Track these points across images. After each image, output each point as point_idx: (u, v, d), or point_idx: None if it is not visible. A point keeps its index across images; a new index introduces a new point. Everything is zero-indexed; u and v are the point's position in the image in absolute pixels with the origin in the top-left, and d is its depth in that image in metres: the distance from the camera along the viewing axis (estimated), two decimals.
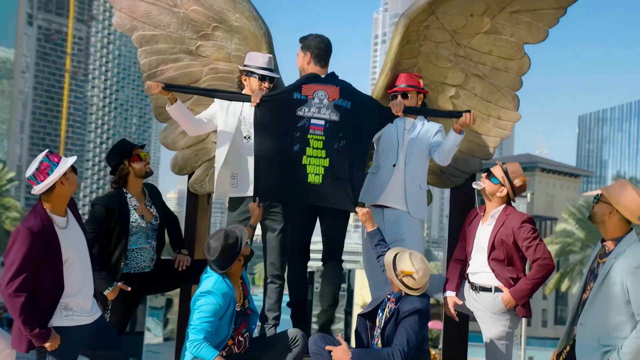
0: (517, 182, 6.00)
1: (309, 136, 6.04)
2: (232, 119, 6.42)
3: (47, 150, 5.37)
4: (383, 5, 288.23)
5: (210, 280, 5.47)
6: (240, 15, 6.68)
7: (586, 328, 5.28)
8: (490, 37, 6.76)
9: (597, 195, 5.51)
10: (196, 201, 7.13)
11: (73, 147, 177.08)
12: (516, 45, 6.76)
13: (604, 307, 5.22)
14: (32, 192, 5.27)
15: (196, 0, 6.70)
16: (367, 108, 6.28)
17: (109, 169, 6.38)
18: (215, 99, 6.51)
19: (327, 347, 5.54)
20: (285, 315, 6.57)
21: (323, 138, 6.06)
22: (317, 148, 6.05)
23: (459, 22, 6.72)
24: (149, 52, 6.81)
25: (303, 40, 6.35)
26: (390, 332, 5.49)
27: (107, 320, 5.98)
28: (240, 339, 5.65)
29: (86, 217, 6.11)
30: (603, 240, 5.52)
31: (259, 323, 6.29)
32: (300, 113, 6.06)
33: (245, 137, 6.40)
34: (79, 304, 5.32)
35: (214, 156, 6.65)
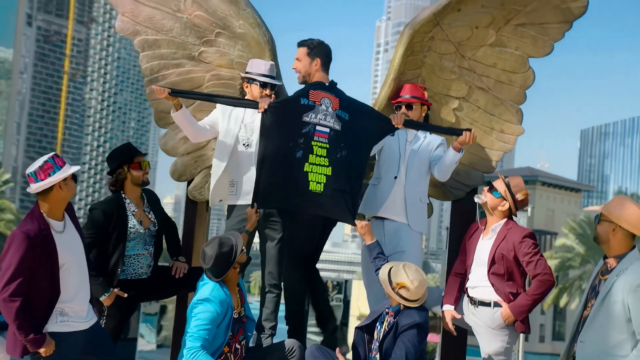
0: (519, 197, 5.96)
1: (312, 143, 6.00)
2: (234, 126, 6.39)
3: (53, 152, 5.37)
4: (386, 14, 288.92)
5: (207, 287, 5.42)
6: (244, 21, 6.66)
7: (586, 345, 5.24)
8: (495, 49, 6.74)
9: (598, 216, 5.48)
10: (195, 208, 7.10)
11: (70, 150, 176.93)
12: (521, 58, 6.75)
13: (605, 325, 5.17)
14: (28, 189, 5.26)
15: (200, 6, 6.68)
16: (367, 119, 6.25)
17: (105, 173, 6.37)
18: (217, 105, 6.47)
19: None
20: (282, 325, 6.52)
21: (327, 146, 6.03)
22: (321, 156, 6.01)
23: (463, 34, 6.70)
24: (151, 57, 6.78)
25: (310, 45, 6.27)
26: (388, 345, 5.45)
27: (103, 326, 5.94)
28: (237, 346, 5.59)
29: (81, 220, 6.07)
30: (605, 257, 5.48)
31: (255, 332, 6.25)
32: (306, 119, 6.02)
33: (244, 145, 6.37)
34: (74, 310, 5.28)
35: None
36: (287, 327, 6.48)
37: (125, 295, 6.02)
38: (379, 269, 5.89)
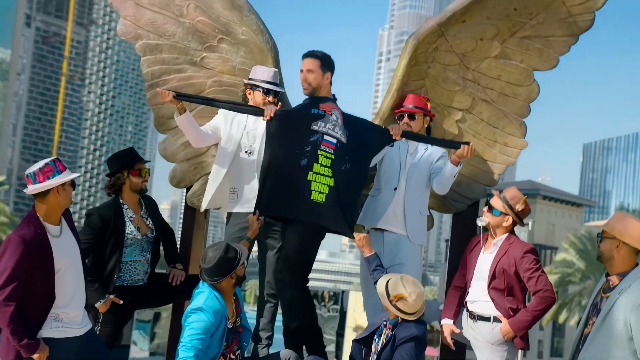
0: (518, 207, 5.92)
1: (319, 152, 5.96)
2: (236, 132, 6.36)
3: (55, 157, 5.34)
4: (389, 23, 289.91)
5: (202, 296, 5.38)
6: (247, 28, 6.63)
7: None
8: (499, 61, 6.72)
9: (600, 234, 5.43)
10: (193, 215, 7.06)
11: (66, 153, 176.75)
12: (525, 71, 6.73)
13: (606, 343, 5.11)
14: (26, 191, 5.22)
15: (203, 11, 6.65)
16: (366, 135, 6.23)
17: (101, 177, 6.32)
18: (219, 111, 6.44)
19: None
20: (279, 335, 6.45)
21: (332, 157, 5.99)
22: (325, 166, 5.96)
23: (468, 45, 6.68)
24: (152, 61, 6.75)
25: (322, 58, 6.15)
26: (386, 358, 5.40)
27: (97, 333, 5.88)
28: (232, 357, 5.55)
29: (76, 225, 6.01)
30: (607, 275, 5.42)
31: (251, 342, 6.19)
32: (315, 127, 5.98)
33: (247, 152, 6.33)
34: (69, 315, 5.23)
35: None
36: (283, 337, 6.41)
37: (121, 301, 6.00)
38: (377, 281, 5.85)
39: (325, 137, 5.98)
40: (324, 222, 6.03)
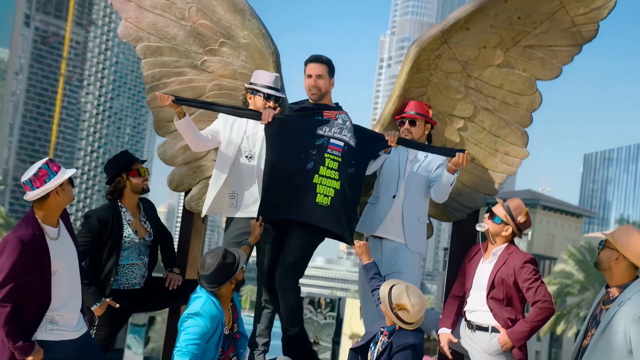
0: (520, 219, 5.90)
1: (325, 155, 5.92)
2: (236, 137, 6.34)
3: (47, 158, 5.28)
4: (390, 29, 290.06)
5: (199, 301, 5.34)
6: (248, 32, 6.61)
7: None
8: (502, 70, 6.71)
9: (602, 241, 5.40)
10: (191, 219, 7.03)
11: (63, 154, 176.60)
12: (528, 80, 6.72)
13: (605, 356, 5.07)
14: (25, 197, 5.18)
15: (204, 14, 6.63)
16: (365, 142, 6.18)
17: (98, 178, 6.29)
18: (219, 115, 6.41)
19: None
20: (275, 341, 6.41)
21: (339, 159, 5.94)
22: (332, 169, 5.92)
23: (471, 53, 6.67)
24: (152, 64, 6.73)
25: (329, 63, 6.10)
26: None
27: (93, 336, 5.83)
28: None
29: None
30: (607, 286, 5.40)
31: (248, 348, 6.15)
32: (320, 132, 5.95)
33: (247, 157, 6.31)
34: (64, 318, 5.19)
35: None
36: (281, 343, 6.36)
37: (117, 305, 5.96)
38: (375, 289, 5.85)
39: (332, 140, 5.94)
40: (326, 224, 5.97)
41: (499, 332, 5.80)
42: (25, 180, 5.09)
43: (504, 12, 6.53)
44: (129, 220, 6.12)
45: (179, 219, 7.18)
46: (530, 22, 6.53)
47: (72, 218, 5.54)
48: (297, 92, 6.70)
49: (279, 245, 6.10)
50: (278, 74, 6.51)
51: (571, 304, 49.70)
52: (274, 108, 6.28)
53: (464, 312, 6.05)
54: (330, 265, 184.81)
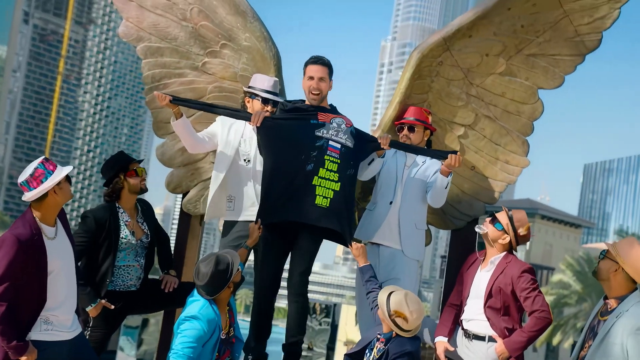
0: (521, 232, 5.88)
1: (325, 157, 5.90)
2: (233, 140, 6.31)
3: (42, 157, 5.25)
4: (392, 34, 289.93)
5: (197, 304, 5.31)
6: (250, 34, 6.59)
7: None
8: (504, 78, 6.70)
9: (604, 251, 5.37)
10: (188, 221, 7.01)
11: (59, 153, 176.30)
12: (530, 89, 6.71)
13: None
14: (23, 198, 5.14)
15: (206, 16, 6.61)
16: (360, 141, 6.15)
17: (94, 178, 6.24)
18: (217, 118, 6.38)
19: None
20: (270, 347, 6.37)
21: (338, 161, 5.92)
22: (331, 170, 5.89)
23: (473, 61, 6.66)
24: (153, 65, 6.72)
25: (330, 66, 6.11)
26: None
27: (87, 337, 5.81)
28: None
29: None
30: (605, 298, 5.38)
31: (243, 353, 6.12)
32: (318, 134, 5.92)
33: (244, 160, 6.28)
34: (59, 319, 5.15)
35: (210, 177, 6.50)
36: (284, 350, 6.30)
37: (113, 307, 5.94)
38: (370, 292, 5.84)
39: (330, 142, 5.92)
40: (326, 223, 5.93)
41: (495, 341, 5.76)
42: (22, 182, 5.06)
43: (507, 19, 6.52)
44: (127, 221, 6.09)
45: (175, 221, 7.12)
46: (533, 31, 6.53)
47: (67, 217, 5.50)
48: (297, 92, 6.67)
49: (280, 259, 6.08)
50: (277, 78, 6.49)
51: (568, 314, 49.52)
52: (272, 112, 6.24)
53: (461, 320, 6.01)
54: (326, 270, 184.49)
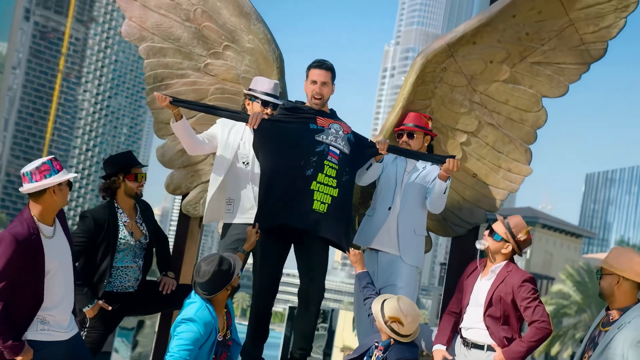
0: (521, 237, 5.85)
1: (325, 162, 5.88)
2: (233, 142, 6.30)
3: (52, 156, 5.23)
4: (395, 38, 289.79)
5: (193, 307, 5.26)
6: (253, 36, 6.58)
7: None
8: (508, 86, 6.69)
9: (599, 271, 5.34)
10: (187, 223, 7.00)
11: (57, 152, 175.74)
12: (534, 97, 6.70)
13: None
14: (21, 189, 5.11)
15: (210, 17, 6.59)
16: (357, 146, 6.14)
17: (92, 178, 6.20)
18: (218, 120, 6.38)
19: None
20: (267, 351, 6.34)
21: (337, 167, 5.91)
22: (330, 176, 5.88)
23: (477, 68, 6.64)
24: (155, 65, 6.70)
25: (334, 70, 6.09)
26: None
27: (83, 338, 5.77)
28: None
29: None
30: (607, 309, 5.34)
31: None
32: (319, 138, 5.90)
33: (243, 163, 6.26)
34: (56, 319, 5.12)
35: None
36: (274, 353, 6.30)
37: (110, 308, 5.91)
38: (367, 298, 5.82)
39: (331, 147, 5.91)
40: (322, 232, 5.92)
41: (494, 350, 5.73)
42: (26, 172, 5.04)
43: (512, 27, 6.51)
44: (125, 221, 6.07)
45: (173, 223, 7.10)
46: (538, 39, 6.51)
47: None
48: (297, 92, 6.65)
49: (279, 262, 6.06)
50: (277, 81, 6.47)
51: (567, 325, 49.24)
52: (271, 115, 6.21)
53: (460, 328, 5.98)
54: None
